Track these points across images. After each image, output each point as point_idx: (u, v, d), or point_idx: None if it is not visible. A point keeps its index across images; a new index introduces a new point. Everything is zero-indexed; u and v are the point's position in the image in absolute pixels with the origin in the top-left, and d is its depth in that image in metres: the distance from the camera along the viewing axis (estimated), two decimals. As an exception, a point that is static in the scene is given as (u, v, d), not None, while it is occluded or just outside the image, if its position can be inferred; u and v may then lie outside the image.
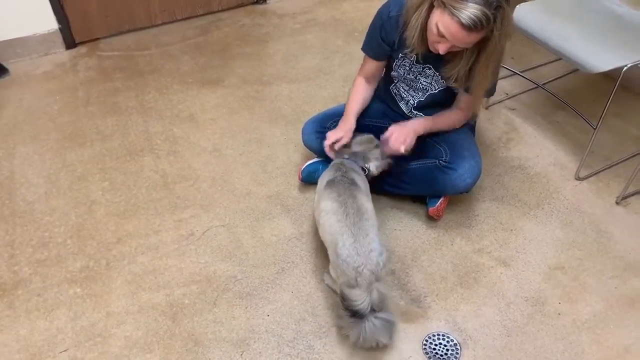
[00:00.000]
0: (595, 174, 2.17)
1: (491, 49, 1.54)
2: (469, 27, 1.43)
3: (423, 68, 1.80)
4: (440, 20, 1.48)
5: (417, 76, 1.84)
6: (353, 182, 1.67)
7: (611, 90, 1.94)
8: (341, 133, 1.83)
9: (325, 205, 1.63)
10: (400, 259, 1.86)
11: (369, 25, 1.83)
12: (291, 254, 1.88)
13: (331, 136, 1.82)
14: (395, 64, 1.86)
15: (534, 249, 1.91)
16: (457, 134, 1.91)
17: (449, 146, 1.86)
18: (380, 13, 1.77)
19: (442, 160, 1.84)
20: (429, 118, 1.87)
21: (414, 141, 1.78)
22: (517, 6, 2.17)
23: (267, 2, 3.31)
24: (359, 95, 1.91)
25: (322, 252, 1.88)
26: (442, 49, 1.55)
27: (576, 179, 2.15)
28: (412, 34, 1.62)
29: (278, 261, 1.86)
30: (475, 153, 1.87)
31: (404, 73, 1.86)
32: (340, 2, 3.33)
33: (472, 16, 1.40)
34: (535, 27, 2.10)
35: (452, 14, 1.43)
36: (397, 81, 1.93)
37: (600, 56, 1.91)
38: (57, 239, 1.94)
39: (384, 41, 1.79)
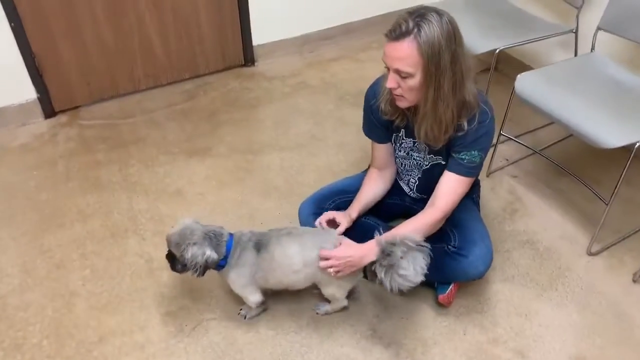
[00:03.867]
0: (607, 248, 2.06)
1: (428, 76, 1.44)
2: (390, 34, 1.42)
3: (414, 143, 1.73)
4: None
5: (409, 152, 1.78)
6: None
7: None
8: (341, 218, 1.75)
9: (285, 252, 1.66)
10: (410, 353, 1.71)
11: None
12: (290, 352, 1.72)
13: (329, 215, 1.77)
14: (395, 146, 1.80)
15: (552, 336, 1.77)
16: (464, 214, 1.79)
17: (457, 230, 1.75)
18: (366, 95, 1.76)
19: (451, 245, 1.72)
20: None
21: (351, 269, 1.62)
22: (518, 75, 2.10)
23: (256, 64, 3.23)
24: (370, 187, 1.85)
25: (324, 345, 1.72)
26: (390, 82, 1.48)
27: (588, 255, 2.04)
28: (381, 96, 1.64)
29: (276, 360, 1.70)
30: (485, 235, 1.76)
31: (398, 151, 1.81)
32: (329, 64, 3.25)
33: (394, 23, 1.43)
34: (538, 97, 2.04)
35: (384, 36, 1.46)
36: (397, 160, 1.85)
37: (611, 131, 1.83)
38: (32, 339, 1.76)
39: (378, 122, 1.74)
